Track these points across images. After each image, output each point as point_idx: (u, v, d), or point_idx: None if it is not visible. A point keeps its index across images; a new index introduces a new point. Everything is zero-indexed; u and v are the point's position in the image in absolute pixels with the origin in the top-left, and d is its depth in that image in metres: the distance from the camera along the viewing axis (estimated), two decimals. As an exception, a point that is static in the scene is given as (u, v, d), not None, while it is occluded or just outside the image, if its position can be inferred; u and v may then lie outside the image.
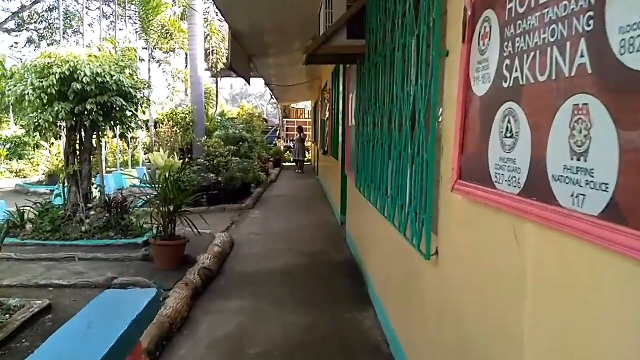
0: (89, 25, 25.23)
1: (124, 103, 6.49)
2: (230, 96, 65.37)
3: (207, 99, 16.78)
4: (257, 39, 8.49)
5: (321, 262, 6.25)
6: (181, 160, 10.81)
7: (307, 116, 32.72)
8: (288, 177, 18.35)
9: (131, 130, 7.29)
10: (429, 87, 2.56)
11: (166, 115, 11.20)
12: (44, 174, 15.10)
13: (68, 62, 6.23)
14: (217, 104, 32.21)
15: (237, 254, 6.64)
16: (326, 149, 11.96)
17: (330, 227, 8.56)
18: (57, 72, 6.09)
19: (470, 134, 1.97)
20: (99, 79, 6.26)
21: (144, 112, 7.65)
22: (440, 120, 2.57)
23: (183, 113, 10.96)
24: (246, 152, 16.80)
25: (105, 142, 14.98)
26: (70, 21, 26.91)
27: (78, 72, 6.14)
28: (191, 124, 11.08)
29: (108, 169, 15.29)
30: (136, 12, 14.14)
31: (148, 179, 6.34)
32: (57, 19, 26.06)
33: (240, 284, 5.40)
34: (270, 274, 5.74)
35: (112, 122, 6.87)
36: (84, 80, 6.14)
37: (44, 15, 28.43)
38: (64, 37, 22.22)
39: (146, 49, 15.92)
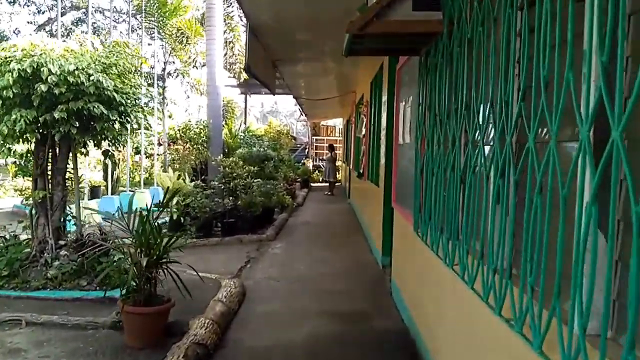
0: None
1: (104, 111, 4.94)
2: (260, 114, 64.72)
3: (229, 114, 15.37)
4: (282, 36, 6.92)
5: (360, 332, 4.50)
6: (193, 182, 9.30)
7: (337, 134, 31.20)
8: (316, 200, 16.66)
9: (119, 146, 5.75)
10: None
11: (179, 130, 9.76)
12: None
13: (32, 56, 4.75)
14: (245, 120, 31.05)
15: (247, 315, 4.95)
16: (361, 171, 10.25)
17: (369, 270, 6.80)
18: (14, 69, 4.61)
19: None
20: (71, 79, 4.75)
21: (140, 125, 6.13)
22: None
23: (197, 127, 9.49)
24: (271, 172, 15.28)
25: (115, 159, 13.67)
26: (98, 35, 26.22)
27: (43, 70, 4.64)
28: (206, 140, 9.60)
29: (121, 189, 13.97)
30: (154, 19, 12.91)
31: (121, 212, 4.74)
32: (84, 32, 25.41)
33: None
34: (288, 353, 4.02)
35: (93, 136, 5.34)
36: (50, 79, 4.64)
37: (71, 29, 27.89)
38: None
39: (165, 62, 14.63)
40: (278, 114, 65.23)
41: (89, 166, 17.95)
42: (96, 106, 4.92)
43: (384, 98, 6.96)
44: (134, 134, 7.12)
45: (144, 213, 4.17)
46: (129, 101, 5.38)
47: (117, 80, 5.32)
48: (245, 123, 30.17)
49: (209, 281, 5.81)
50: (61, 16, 26.13)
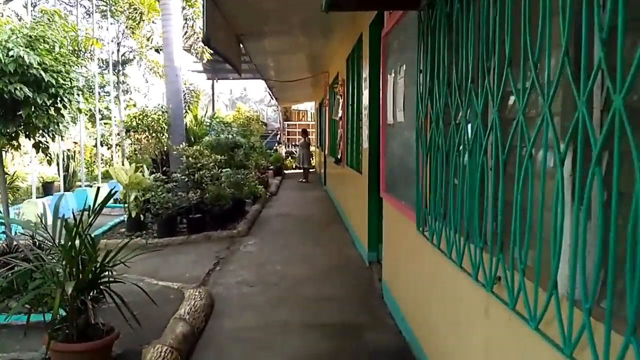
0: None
1: (28, 94, 4.00)
2: (229, 101, 63.20)
3: (194, 99, 14.29)
4: (245, 4, 6.03)
5: (352, 350, 3.75)
6: (152, 175, 8.37)
7: (310, 119, 30.35)
8: (291, 188, 15.85)
9: (56, 136, 4.81)
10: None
11: (134, 117, 8.77)
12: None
13: None
14: (213, 107, 29.83)
15: (215, 333, 4.15)
16: (339, 156, 9.48)
17: (355, 268, 6.06)
18: None
19: None
20: (-18, 55, 3.79)
21: (80, 111, 5.19)
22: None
23: (155, 114, 8.50)
24: (241, 161, 14.36)
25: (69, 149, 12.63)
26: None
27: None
28: (166, 127, 8.62)
29: (79, 184, 12.87)
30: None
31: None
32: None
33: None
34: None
35: (19, 125, 4.39)
36: (-48, 55, 3.68)
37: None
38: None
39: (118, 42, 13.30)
40: (248, 100, 63.83)
41: (40, 160, 16.70)
42: (18, 88, 3.97)
43: (365, 74, 6.17)
44: (74, 122, 6.15)
45: (73, 219, 3.28)
46: (63, 82, 4.44)
47: (47, 56, 4.36)
48: (213, 109, 29.04)
49: (170, 292, 4.98)
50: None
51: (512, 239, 1.77)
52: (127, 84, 20.43)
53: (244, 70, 20.04)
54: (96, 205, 3.33)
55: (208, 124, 13.61)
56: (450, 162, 2.49)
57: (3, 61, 3.90)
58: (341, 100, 9.12)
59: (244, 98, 65.73)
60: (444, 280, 2.78)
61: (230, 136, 13.62)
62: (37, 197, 11.60)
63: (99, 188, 4.79)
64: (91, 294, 3.11)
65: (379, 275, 5.37)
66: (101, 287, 3.17)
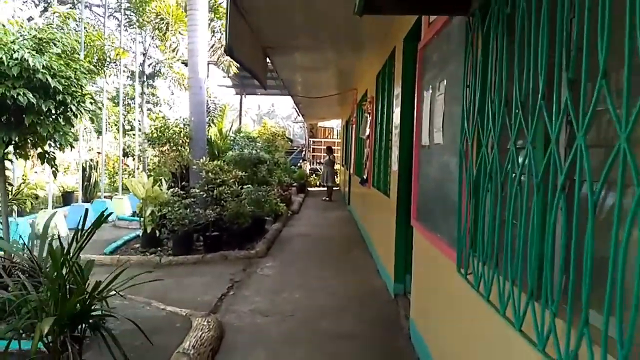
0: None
1: (32, 100, 3.70)
2: (257, 117, 63.53)
3: (220, 113, 14.07)
4: (273, 16, 5.71)
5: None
6: (171, 190, 8.06)
7: (335, 136, 30.05)
8: (314, 207, 15.42)
9: (57, 146, 4.49)
10: None
11: (155, 129, 8.52)
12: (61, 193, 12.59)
13: None
14: (240, 121, 29.79)
15: (220, 373, 3.71)
16: (365, 176, 9.03)
17: (379, 301, 5.55)
18: None
19: None
20: (-16, 57, 3.51)
21: (92, 119, 4.89)
22: None
23: (176, 126, 8.22)
24: (264, 177, 14.05)
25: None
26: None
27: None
28: (187, 140, 8.34)
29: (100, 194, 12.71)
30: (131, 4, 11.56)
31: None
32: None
33: None
34: None
35: (23, 133, 4.09)
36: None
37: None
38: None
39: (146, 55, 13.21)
40: (275, 116, 64.09)
41: (64, 169, 16.70)
42: (21, 93, 3.67)
43: (397, 90, 5.75)
44: (89, 132, 5.87)
45: (61, 243, 2.91)
46: (70, 88, 4.14)
47: (57, 61, 4.07)
48: (240, 124, 28.99)
49: (178, 319, 4.58)
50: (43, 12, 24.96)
51: (606, 304, 1.30)
52: (157, 97, 20.43)
53: (271, 86, 19.87)
54: (86, 229, 2.95)
55: (232, 138, 13.34)
56: (506, 195, 2.03)
57: (6, 64, 3.62)
58: (369, 118, 8.71)
59: (272, 114, 66.12)
60: (492, 338, 2.29)
61: (254, 151, 13.35)
62: (57, 207, 11.49)
63: (87, 210, 4.44)
64: (79, 328, 2.71)
65: (406, 311, 4.87)
66: (91, 321, 2.77)
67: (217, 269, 6.92)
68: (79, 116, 4.41)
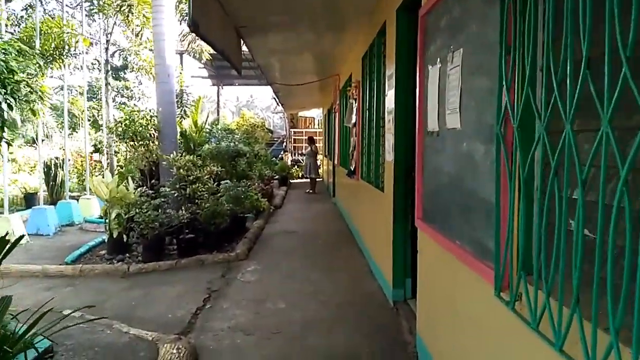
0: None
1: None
2: (236, 108, 62.37)
3: (192, 104, 13.18)
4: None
5: None
6: (138, 189, 7.28)
7: (317, 126, 29.34)
8: (297, 200, 14.73)
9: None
10: None
11: (118, 122, 7.67)
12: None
13: None
14: (218, 113, 28.82)
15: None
16: (352, 168, 8.36)
17: (375, 309, 4.91)
18: None
19: None
20: None
21: (34, 111, 4.11)
22: None
23: (142, 119, 7.37)
24: (244, 171, 13.29)
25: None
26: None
27: None
28: (155, 133, 7.53)
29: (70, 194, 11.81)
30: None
31: None
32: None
33: None
34: None
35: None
36: None
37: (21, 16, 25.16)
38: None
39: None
40: (254, 107, 62.96)
41: (30, 168, 15.68)
42: None
43: (389, 70, 5.08)
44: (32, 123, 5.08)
45: None
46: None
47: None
48: (218, 116, 28.04)
49: (142, 346, 3.87)
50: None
51: None
52: (131, 90, 19.44)
53: (249, 76, 18.97)
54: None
55: (208, 130, 12.54)
56: (585, 199, 1.38)
57: None
58: (355, 105, 8.02)
59: (251, 105, 65.14)
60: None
61: (232, 144, 12.59)
62: (19, 210, 10.59)
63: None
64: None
65: (409, 322, 4.24)
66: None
67: (192, 276, 6.20)
68: (14, 107, 3.63)
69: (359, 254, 7.23)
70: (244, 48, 7.72)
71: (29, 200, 10.99)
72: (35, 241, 8.21)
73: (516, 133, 1.83)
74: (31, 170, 15.98)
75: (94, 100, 20.58)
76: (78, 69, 14.88)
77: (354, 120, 8.20)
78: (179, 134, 14.05)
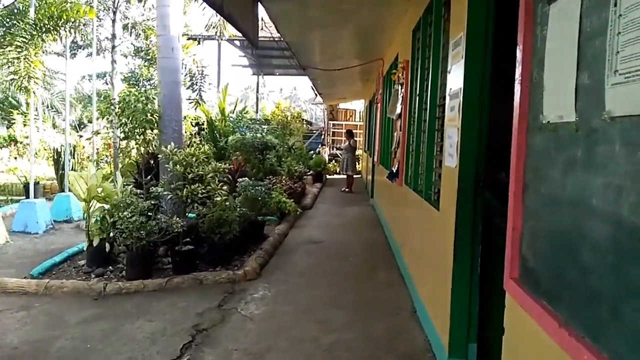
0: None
1: None
2: (281, 99, 61.24)
3: (224, 90, 11.76)
4: None
5: None
6: (128, 186, 5.95)
7: (357, 119, 27.71)
8: (331, 200, 13.14)
9: None
10: None
11: (109, 105, 6.36)
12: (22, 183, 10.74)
13: None
14: (257, 104, 27.57)
15: None
16: (394, 169, 6.76)
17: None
18: None
19: None
20: None
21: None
22: None
23: (138, 101, 5.97)
24: (272, 166, 11.88)
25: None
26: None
27: None
28: (155, 119, 6.14)
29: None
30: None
31: None
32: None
33: None
34: None
35: None
36: None
37: None
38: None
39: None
40: (297, 99, 61.77)
41: (35, 155, 14.78)
42: None
43: (455, 37, 3.47)
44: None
45: None
46: None
47: None
48: (257, 107, 26.79)
49: None
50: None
51: None
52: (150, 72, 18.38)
53: (289, 65, 17.53)
54: None
55: (232, 119, 11.19)
56: None
57: None
58: (401, 91, 6.41)
59: (294, 97, 64.13)
60: None
61: (259, 135, 11.21)
62: (14, 201, 9.60)
63: None
64: None
65: None
66: None
67: (181, 304, 4.80)
68: None
69: (400, 281, 5.67)
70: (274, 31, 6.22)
71: (30, 190, 9.94)
72: (18, 241, 7.04)
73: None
74: (36, 157, 15.13)
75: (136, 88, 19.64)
76: (103, 52, 13.82)
77: (398, 111, 6.59)
78: (205, 123, 12.83)
